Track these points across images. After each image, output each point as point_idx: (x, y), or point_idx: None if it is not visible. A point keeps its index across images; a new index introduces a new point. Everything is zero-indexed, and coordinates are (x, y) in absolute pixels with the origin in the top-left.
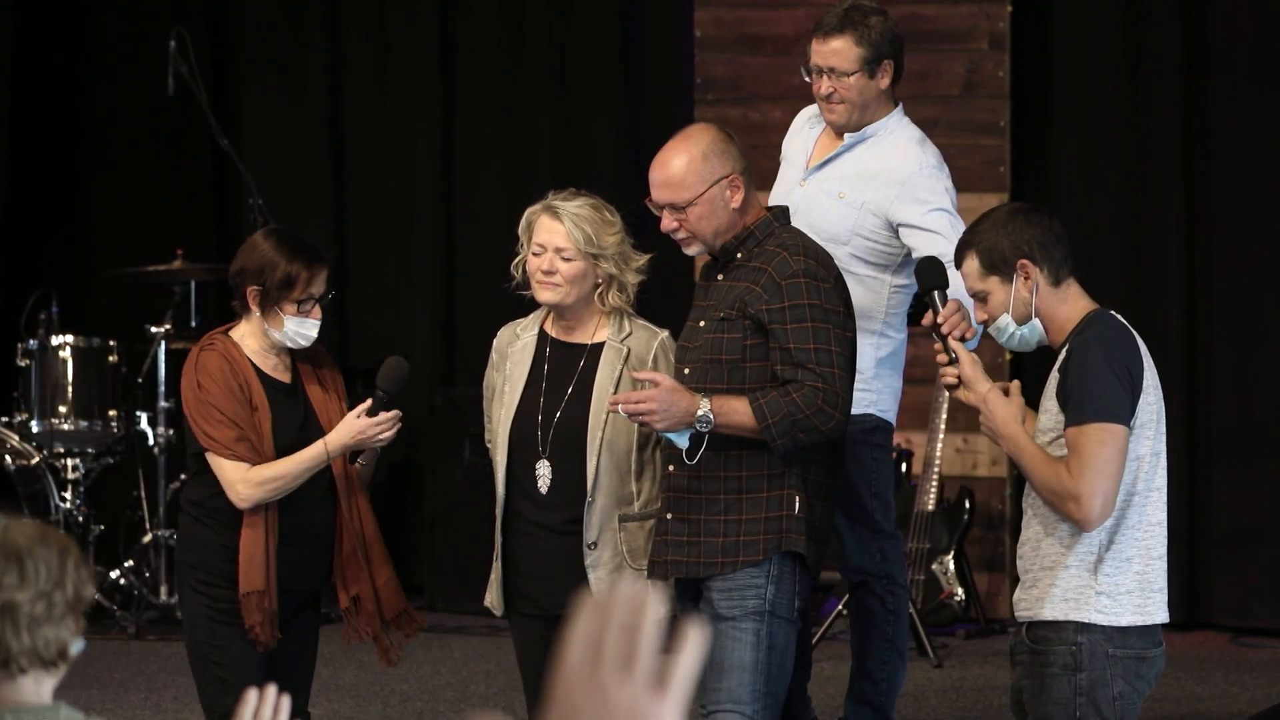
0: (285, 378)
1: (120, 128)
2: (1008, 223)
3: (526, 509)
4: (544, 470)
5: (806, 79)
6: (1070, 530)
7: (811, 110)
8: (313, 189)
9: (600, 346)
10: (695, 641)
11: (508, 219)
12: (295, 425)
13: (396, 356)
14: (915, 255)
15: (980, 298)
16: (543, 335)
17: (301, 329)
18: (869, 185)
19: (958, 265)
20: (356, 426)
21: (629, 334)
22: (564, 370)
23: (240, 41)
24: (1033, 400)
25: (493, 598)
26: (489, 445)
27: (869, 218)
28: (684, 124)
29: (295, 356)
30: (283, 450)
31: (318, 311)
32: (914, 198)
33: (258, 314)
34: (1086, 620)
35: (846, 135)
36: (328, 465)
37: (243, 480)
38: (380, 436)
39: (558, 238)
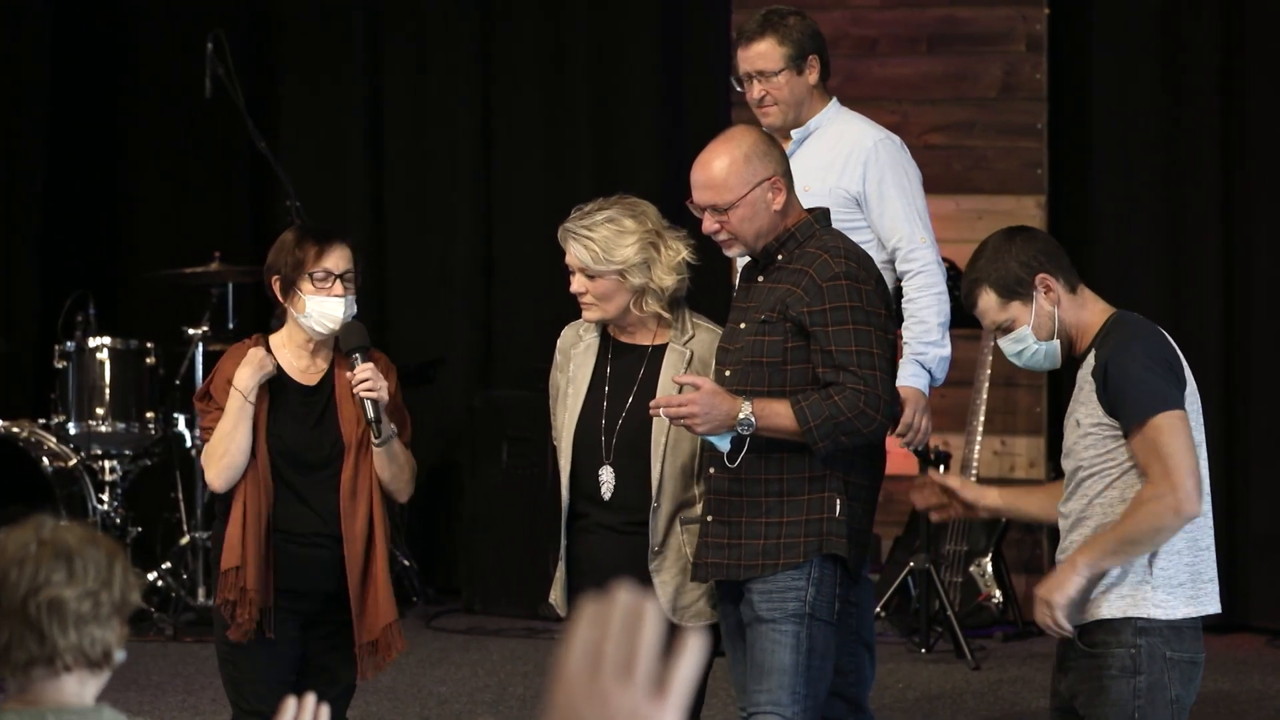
0: (312, 380)
1: (157, 130)
2: (1008, 246)
3: (591, 511)
4: (607, 476)
5: (738, 89)
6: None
7: None
8: (351, 191)
9: (662, 349)
10: (695, 648)
11: (547, 221)
12: (306, 426)
13: (347, 321)
14: (878, 232)
15: (1005, 329)
16: (605, 336)
17: (322, 308)
18: (830, 171)
19: (970, 307)
20: (252, 360)
21: (692, 336)
22: (626, 374)
23: (277, 44)
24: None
25: (556, 596)
26: (556, 445)
27: (840, 203)
28: (723, 125)
29: (336, 355)
30: (284, 451)
31: (339, 288)
32: (877, 174)
33: (286, 306)
34: (1145, 615)
35: (793, 134)
36: (338, 465)
37: (205, 466)
38: (368, 386)
39: (574, 259)
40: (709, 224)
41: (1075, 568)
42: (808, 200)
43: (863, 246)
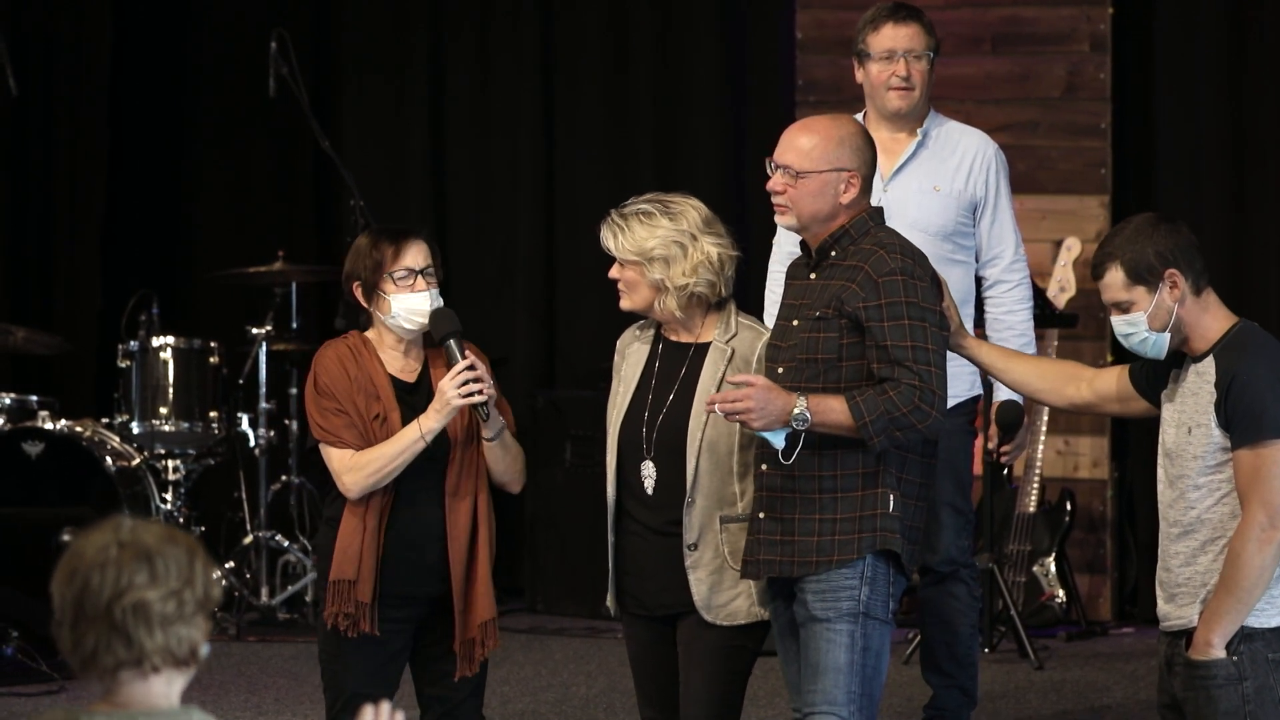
0: (410, 377)
1: (221, 129)
2: (1150, 232)
3: (635, 509)
4: (649, 471)
5: (859, 69)
6: (1226, 543)
7: None
8: (414, 190)
9: (705, 347)
10: None
11: None
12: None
13: (435, 309)
14: (984, 238)
15: (1123, 308)
16: (658, 336)
17: (408, 304)
18: (959, 174)
19: (1097, 277)
20: (442, 394)
21: (734, 334)
22: (671, 371)
23: (341, 43)
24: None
25: (609, 595)
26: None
27: (965, 206)
28: (786, 126)
29: (428, 352)
30: None
31: (422, 284)
32: (996, 181)
33: (371, 310)
34: (1246, 623)
35: (918, 134)
36: (443, 464)
37: (347, 468)
38: (467, 390)
39: (602, 242)
40: (775, 182)
41: (1212, 645)
42: (937, 201)
43: (969, 250)
